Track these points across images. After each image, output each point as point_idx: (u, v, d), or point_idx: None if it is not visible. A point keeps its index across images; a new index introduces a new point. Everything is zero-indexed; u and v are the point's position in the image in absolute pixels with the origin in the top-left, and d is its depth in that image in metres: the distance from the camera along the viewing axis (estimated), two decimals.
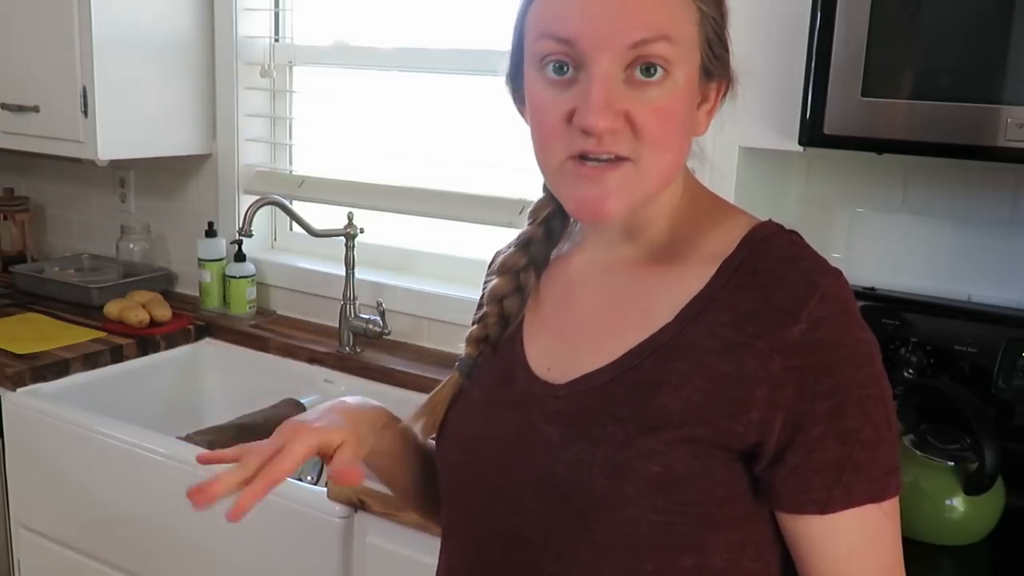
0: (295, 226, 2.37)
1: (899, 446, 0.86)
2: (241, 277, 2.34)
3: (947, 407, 1.34)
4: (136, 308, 2.26)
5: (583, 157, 0.80)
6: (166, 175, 2.56)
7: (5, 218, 2.80)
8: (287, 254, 2.47)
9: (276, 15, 2.40)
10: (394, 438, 1.00)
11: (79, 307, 2.40)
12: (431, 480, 1.01)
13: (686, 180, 0.89)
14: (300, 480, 1.82)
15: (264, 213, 2.37)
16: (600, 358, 0.85)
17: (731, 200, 0.92)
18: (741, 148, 1.46)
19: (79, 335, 2.21)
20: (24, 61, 2.26)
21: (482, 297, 0.97)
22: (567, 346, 0.89)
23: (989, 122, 1.20)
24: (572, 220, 0.95)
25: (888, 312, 1.54)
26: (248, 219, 1.99)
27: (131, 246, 2.54)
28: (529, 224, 0.97)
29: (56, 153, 2.30)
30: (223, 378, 2.30)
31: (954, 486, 1.27)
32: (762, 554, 0.84)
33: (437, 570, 0.99)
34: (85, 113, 2.17)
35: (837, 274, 0.80)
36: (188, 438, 1.83)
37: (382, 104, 2.27)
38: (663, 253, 0.87)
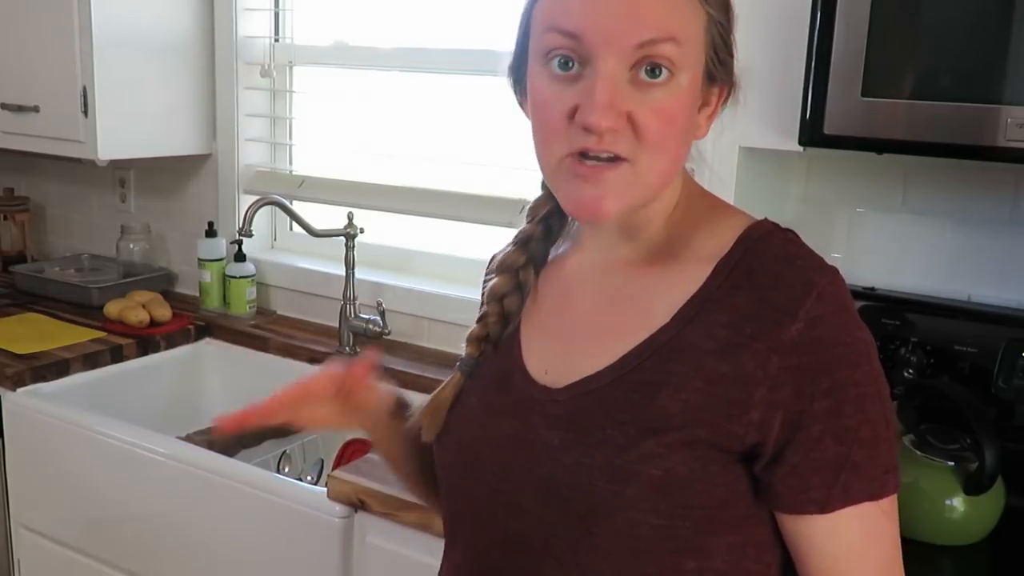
0: (295, 226, 2.37)
1: (898, 445, 0.86)
2: (241, 277, 2.34)
3: (947, 407, 1.34)
4: (136, 308, 2.26)
5: (583, 155, 0.79)
6: (166, 175, 2.56)
7: (5, 218, 2.80)
8: (287, 254, 2.47)
9: (276, 15, 2.40)
10: (400, 427, 1.01)
11: (79, 307, 2.40)
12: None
13: (685, 181, 0.89)
14: (300, 480, 1.82)
15: (264, 213, 2.36)
16: (598, 360, 0.85)
17: (731, 201, 0.93)
18: (741, 148, 1.46)
19: (79, 335, 2.21)
20: (24, 61, 2.26)
21: (483, 296, 0.98)
22: (565, 349, 0.89)
23: (989, 122, 1.20)
24: (570, 218, 0.95)
25: (888, 312, 1.54)
26: (248, 219, 1.99)
27: (131, 246, 2.54)
28: (528, 222, 0.97)
29: (56, 153, 2.30)
30: (223, 378, 2.30)
31: (954, 486, 1.27)
32: (763, 556, 0.84)
33: (439, 572, 0.99)
34: (85, 113, 2.17)
35: (833, 272, 0.80)
36: (188, 438, 1.83)
37: (382, 104, 2.27)
38: (660, 253, 0.87)
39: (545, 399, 0.87)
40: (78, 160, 2.43)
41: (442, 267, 2.22)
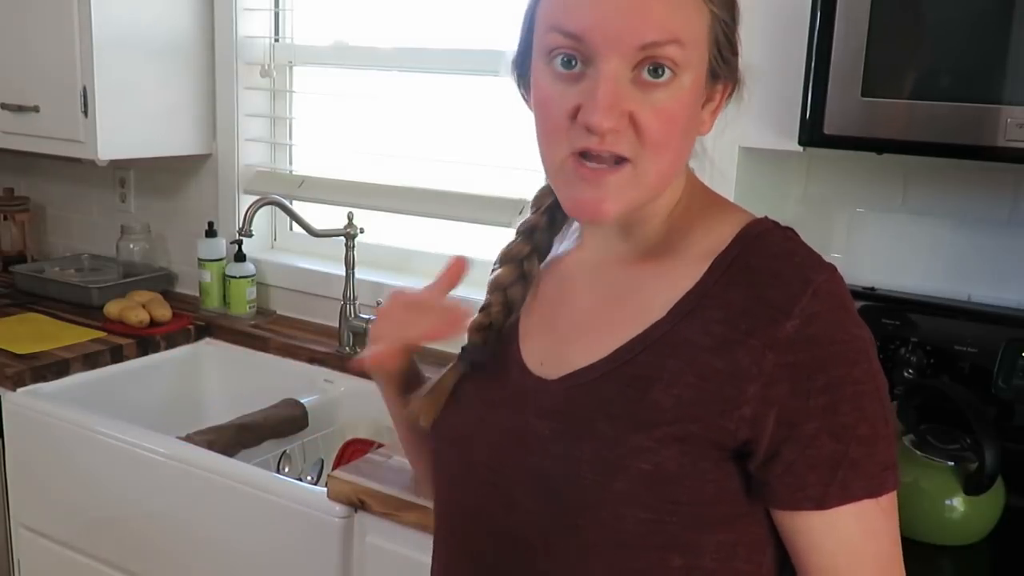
0: (295, 226, 2.37)
1: (897, 443, 0.86)
2: (241, 277, 2.34)
3: (947, 407, 1.33)
4: (136, 308, 2.26)
5: (584, 155, 0.80)
6: (166, 175, 2.56)
7: (5, 218, 2.80)
8: (287, 254, 2.47)
9: (276, 15, 2.40)
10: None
11: (79, 307, 2.40)
12: None
13: (687, 178, 0.89)
14: (300, 480, 1.82)
15: (264, 213, 2.36)
16: (592, 354, 0.85)
17: (731, 200, 0.92)
18: (741, 148, 1.46)
19: (79, 335, 2.21)
20: (24, 61, 2.26)
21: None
22: (560, 341, 0.89)
23: (989, 122, 1.20)
24: None
25: (888, 312, 1.54)
26: (248, 219, 1.99)
27: (131, 246, 2.54)
28: (532, 212, 0.97)
29: (56, 153, 2.30)
30: (223, 378, 2.30)
31: (954, 486, 1.27)
32: (754, 556, 0.84)
33: (431, 565, 0.98)
34: (85, 113, 2.17)
35: (831, 270, 0.80)
36: (188, 438, 1.83)
37: (382, 104, 2.27)
38: (658, 250, 0.87)
39: (538, 390, 0.87)
40: (78, 160, 2.43)
41: (442, 267, 2.22)
